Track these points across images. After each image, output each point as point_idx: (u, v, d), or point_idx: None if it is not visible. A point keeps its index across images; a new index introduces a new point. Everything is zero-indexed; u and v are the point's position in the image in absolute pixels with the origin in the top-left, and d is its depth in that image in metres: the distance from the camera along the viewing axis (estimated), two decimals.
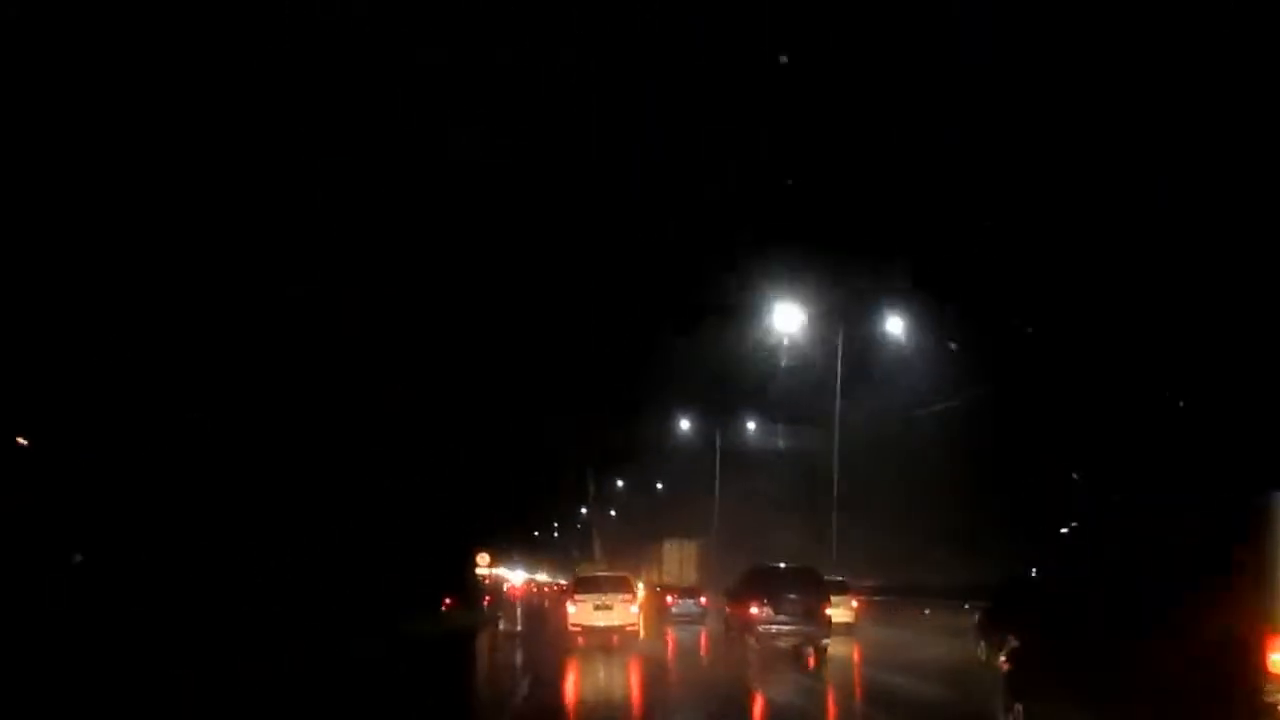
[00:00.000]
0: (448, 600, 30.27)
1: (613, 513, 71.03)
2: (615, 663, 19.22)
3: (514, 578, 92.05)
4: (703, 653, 23.19)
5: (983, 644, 14.22)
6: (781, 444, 38.72)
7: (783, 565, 21.77)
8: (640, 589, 40.16)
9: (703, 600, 33.59)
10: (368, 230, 24.64)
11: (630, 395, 47.20)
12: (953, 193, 24.04)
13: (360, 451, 26.27)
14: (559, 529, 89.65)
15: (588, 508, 72.63)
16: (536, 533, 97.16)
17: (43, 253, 15.53)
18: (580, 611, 21.99)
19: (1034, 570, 9.94)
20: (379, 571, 25.68)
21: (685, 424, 47.60)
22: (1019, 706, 7.42)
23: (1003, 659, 9.23)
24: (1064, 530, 8.46)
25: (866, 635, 24.63)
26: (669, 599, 34.47)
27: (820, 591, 19.38)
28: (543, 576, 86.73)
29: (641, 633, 23.27)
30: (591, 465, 60.24)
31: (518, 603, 51.53)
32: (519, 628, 33.20)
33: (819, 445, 32.83)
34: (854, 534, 31.49)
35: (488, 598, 40.81)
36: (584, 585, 23.82)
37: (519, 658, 22.48)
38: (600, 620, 21.74)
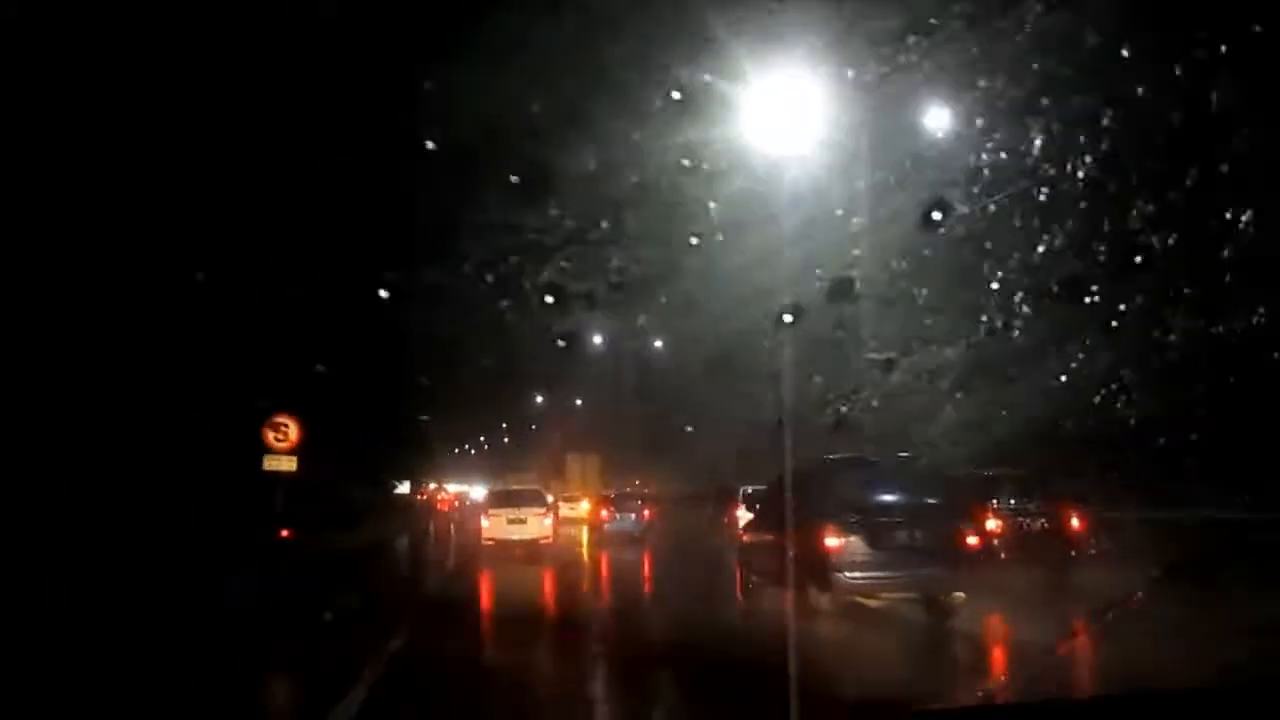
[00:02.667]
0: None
1: (578, 400, 63.91)
2: None
3: (474, 493, 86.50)
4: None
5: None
6: None
7: (872, 459, 11.85)
8: (584, 501, 34.04)
9: (646, 514, 26.70)
10: None
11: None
12: None
13: None
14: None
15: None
16: (486, 444, 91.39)
17: None
18: (494, 526, 21.80)
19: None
20: None
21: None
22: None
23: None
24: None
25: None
26: (603, 513, 27.49)
27: (954, 505, 10.49)
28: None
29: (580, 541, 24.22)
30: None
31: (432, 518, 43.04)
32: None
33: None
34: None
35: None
36: (497, 500, 23.51)
37: None
38: (515, 534, 21.57)
